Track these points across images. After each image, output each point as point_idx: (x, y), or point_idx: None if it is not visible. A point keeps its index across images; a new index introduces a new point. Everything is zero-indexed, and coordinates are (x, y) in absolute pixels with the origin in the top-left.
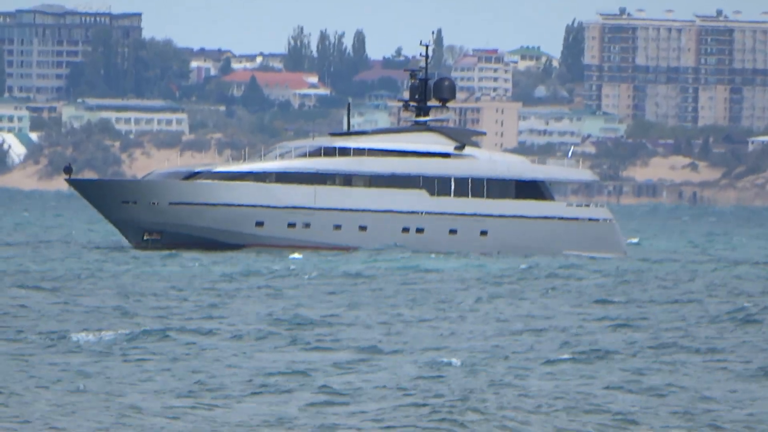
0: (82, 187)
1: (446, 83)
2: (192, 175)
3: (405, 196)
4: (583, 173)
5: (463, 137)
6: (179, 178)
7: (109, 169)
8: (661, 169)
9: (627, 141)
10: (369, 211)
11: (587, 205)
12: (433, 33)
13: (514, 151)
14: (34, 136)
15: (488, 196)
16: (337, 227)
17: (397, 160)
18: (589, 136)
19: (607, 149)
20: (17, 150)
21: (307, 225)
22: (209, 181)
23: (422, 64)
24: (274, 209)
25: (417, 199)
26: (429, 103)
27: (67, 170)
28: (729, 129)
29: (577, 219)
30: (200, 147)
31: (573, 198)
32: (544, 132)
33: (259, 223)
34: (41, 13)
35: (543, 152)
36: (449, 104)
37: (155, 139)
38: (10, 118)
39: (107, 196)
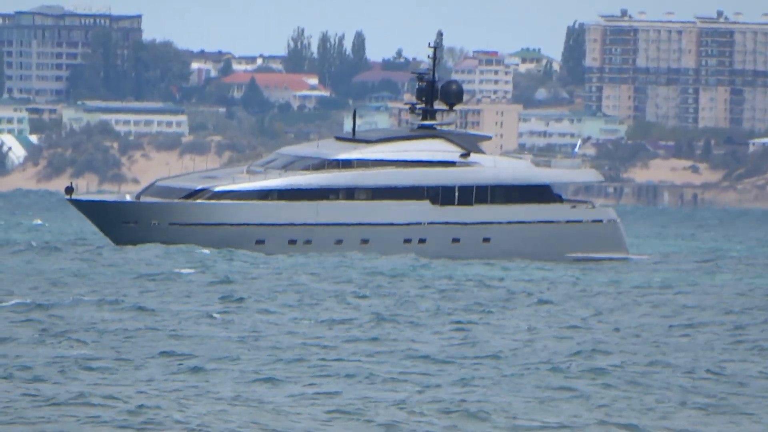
0: (83, 207)
1: (454, 87)
2: (193, 194)
3: (407, 207)
4: (589, 174)
5: (469, 143)
6: (180, 195)
7: (108, 171)
8: (662, 170)
9: (627, 143)
10: (370, 224)
11: (593, 206)
12: (442, 34)
13: (514, 153)
14: (33, 138)
15: (492, 203)
16: (339, 242)
17: (401, 171)
18: (589, 137)
19: (608, 151)
20: (17, 152)
21: (308, 242)
22: (209, 201)
23: (428, 65)
24: (275, 227)
25: (419, 210)
26: (435, 106)
27: (69, 190)
28: (729, 131)
29: (581, 221)
30: (200, 149)
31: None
32: (545, 134)
33: (260, 241)
34: (40, 15)
35: (543, 154)
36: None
37: (155, 141)
38: (10, 120)
39: (108, 217)
